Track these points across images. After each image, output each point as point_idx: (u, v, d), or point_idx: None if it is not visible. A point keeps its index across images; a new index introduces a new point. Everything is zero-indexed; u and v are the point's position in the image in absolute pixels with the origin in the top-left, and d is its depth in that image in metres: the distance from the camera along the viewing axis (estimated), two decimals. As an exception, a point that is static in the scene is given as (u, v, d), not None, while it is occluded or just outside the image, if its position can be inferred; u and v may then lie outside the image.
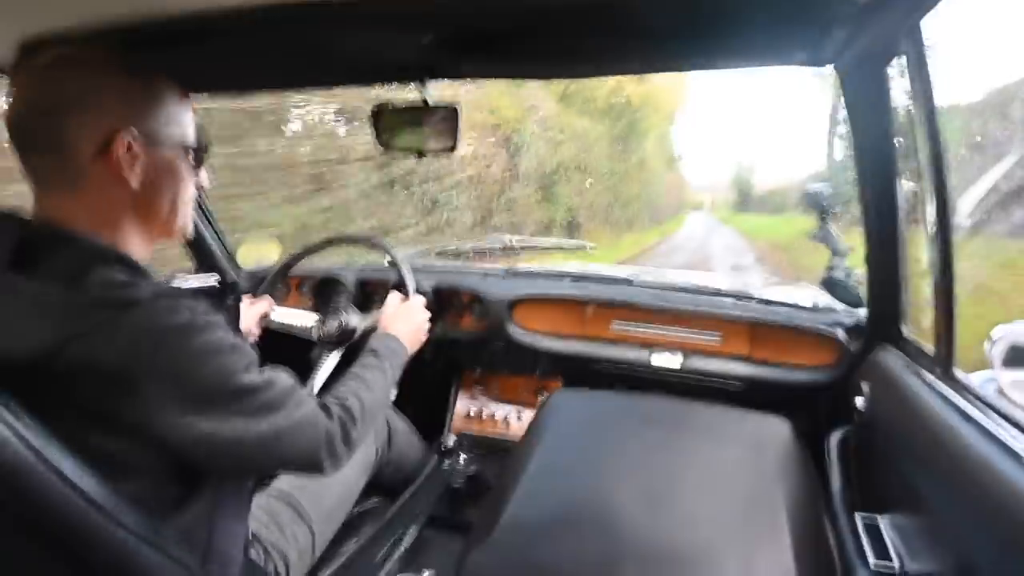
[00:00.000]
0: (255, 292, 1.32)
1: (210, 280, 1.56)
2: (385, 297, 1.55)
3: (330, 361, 1.24)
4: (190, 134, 0.69)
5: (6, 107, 0.61)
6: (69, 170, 0.60)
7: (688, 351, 1.40)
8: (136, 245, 0.65)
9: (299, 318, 1.32)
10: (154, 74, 0.66)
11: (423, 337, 1.08)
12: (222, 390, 0.59)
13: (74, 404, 0.54)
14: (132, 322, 0.54)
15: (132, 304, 0.55)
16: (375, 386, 0.83)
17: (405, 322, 1.04)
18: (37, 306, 0.54)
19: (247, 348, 0.64)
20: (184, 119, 0.68)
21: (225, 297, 1.14)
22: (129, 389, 0.54)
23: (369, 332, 1.13)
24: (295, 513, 0.93)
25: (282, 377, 0.67)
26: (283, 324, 1.30)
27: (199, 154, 0.70)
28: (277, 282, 1.38)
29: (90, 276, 0.56)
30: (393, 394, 0.97)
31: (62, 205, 0.61)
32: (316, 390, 1.18)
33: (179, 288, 0.61)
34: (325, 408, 0.72)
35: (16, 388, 0.52)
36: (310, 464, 0.69)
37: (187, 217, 0.71)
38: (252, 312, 1.23)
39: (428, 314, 1.11)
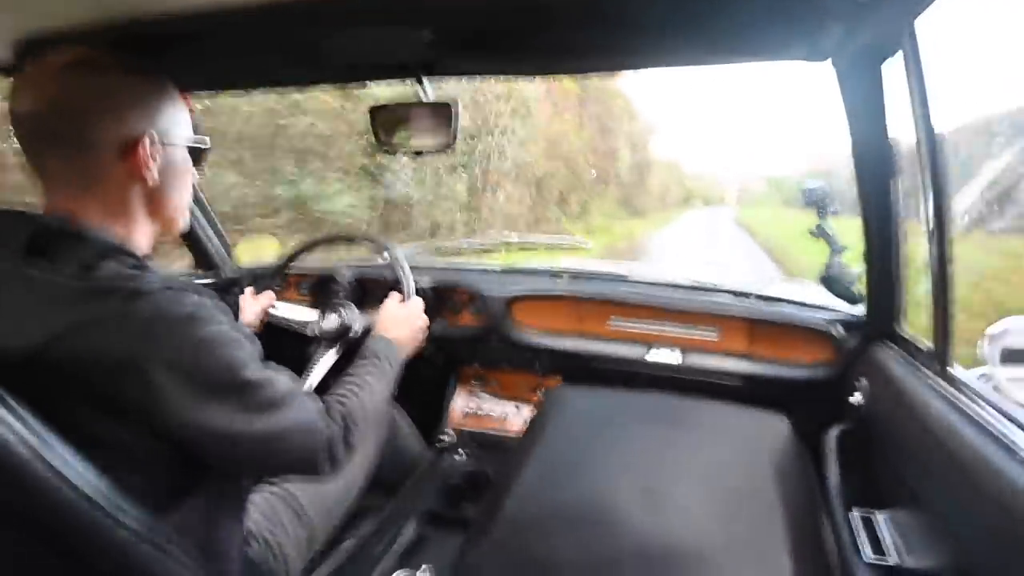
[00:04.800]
0: (255, 289, 1.32)
1: (208, 278, 1.57)
2: (383, 295, 1.55)
3: (327, 358, 1.24)
4: (192, 133, 0.71)
5: (19, 105, 0.61)
6: (90, 168, 0.62)
7: (686, 348, 1.40)
8: (142, 240, 0.68)
9: (300, 313, 1.32)
10: (162, 76, 0.67)
11: (420, 340, 1.08)
12: (227, 381, 0.60)
13: (80, 391, 0.55)
14: (141, 310, 0.56)
15: (141, 293, 0.56)
16: (375, 390, 0.83)
17: (402, 324, 1.04)
18: (49, 295, 0.55)
19: (251, 342, 0.65)
20: (187, 119, 0.70)
21: (227, 292, 1.15)
22: (136, 375, 0.55)
23: (368, 331, 1.13)
24: (294, 510, 0.93)
25: (284, 377, 0.68)
26: (284, 318, 1.31)
27: (200, 152, 0.73)
28: (276, 278, 1.38)
29: (100, 267, 0.58)
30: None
31: (76, 201, 0.62)
32: (312, 387, 1.18)
33: (186, 280, 0.63)
34: (327, 411, 0.73)
35: (19, 379, 0.53)
36: (309, 467, 0.70)
37: (187, 213, 0.74)
38: (254, 306, 1.23)
39: (426, 317, 1.11)
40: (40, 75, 0.61)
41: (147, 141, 0.63)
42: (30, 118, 0.61)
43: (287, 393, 0.67)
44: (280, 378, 0.67)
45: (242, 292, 1.26)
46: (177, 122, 0.68)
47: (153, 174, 0.65)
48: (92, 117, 0.61)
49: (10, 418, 0.50)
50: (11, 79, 0.87)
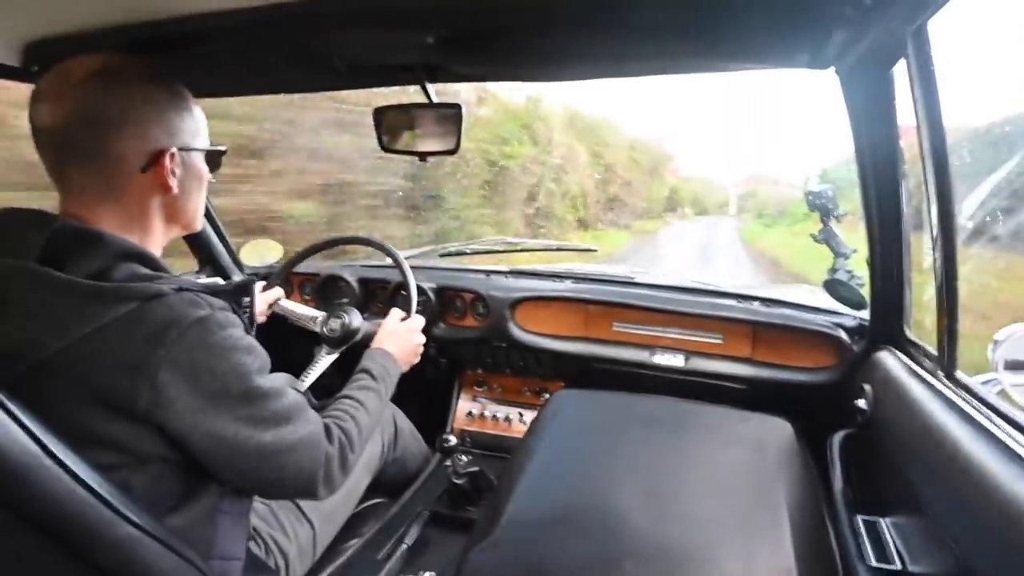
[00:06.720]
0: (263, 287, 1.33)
1: (215, 280, 1.57)
2: (387, 298, 1.56)
3: (327, 360, 1.24)
4: (208, 139, 0.72)
5: (43, 118, 0.61)
6: (111, 180, 0.63)
7: (690, 352, 1.40)
8: (157, 244, 0.69)
9: (306, 310, 1.33)
10: (180, 84, 0.68)
11: (415, 360, 1.07)
12: (235, 389, 0.60)
13: (91, 391, 0.55)
14: (155, 312, 0.56)
15: (155, 296, 0.57)
16: (372, 410, 0.83)
17: (401, 342, 1.03)
18: (64, 298, 0.56)
19: (261, 351, 0.66)
20: (204, 126, 0.71)
21: (240, 297, 1.15)
22: (147, 377, 0.55)
23: (368, 338, 1.13)
24: (297, 511, 0.94)
25: (292, 391, 0.68)
26: (291, 311, 1.31)
27: (217, 157, 0.74)
28: (281, 279, 1.39)
29: (117, 270, 0.58)
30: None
31: (95, 210, 0.63)
32: (306, 386, 1.18)
33: (201, 283, 0.63)
34: (327, 430, 0.72)
35: (32, 377, 0.53)
36: (306, 484, 0.69)
37: (203, 213, 0.75)
38: (262, 298, 1.23)
39: (423, 337, 1.11)
40: (63, 85, 0.60)
41: (170, 155, 0.64)
42: (55, 132, 0.60)
43: (293, 408, 0.66)
44: (288, 390, 0.67)
45: (252, 296, 1.26)
46: (196, 131, 0.69)
47: (174, 185, 0.66)
48: (115, 131, 0.61)
49: (20, 416, 0.50)
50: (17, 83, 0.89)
